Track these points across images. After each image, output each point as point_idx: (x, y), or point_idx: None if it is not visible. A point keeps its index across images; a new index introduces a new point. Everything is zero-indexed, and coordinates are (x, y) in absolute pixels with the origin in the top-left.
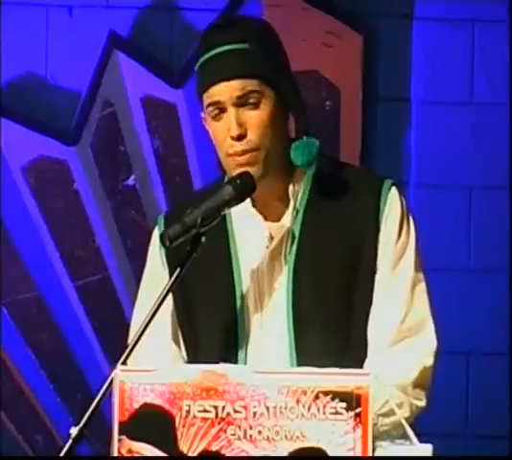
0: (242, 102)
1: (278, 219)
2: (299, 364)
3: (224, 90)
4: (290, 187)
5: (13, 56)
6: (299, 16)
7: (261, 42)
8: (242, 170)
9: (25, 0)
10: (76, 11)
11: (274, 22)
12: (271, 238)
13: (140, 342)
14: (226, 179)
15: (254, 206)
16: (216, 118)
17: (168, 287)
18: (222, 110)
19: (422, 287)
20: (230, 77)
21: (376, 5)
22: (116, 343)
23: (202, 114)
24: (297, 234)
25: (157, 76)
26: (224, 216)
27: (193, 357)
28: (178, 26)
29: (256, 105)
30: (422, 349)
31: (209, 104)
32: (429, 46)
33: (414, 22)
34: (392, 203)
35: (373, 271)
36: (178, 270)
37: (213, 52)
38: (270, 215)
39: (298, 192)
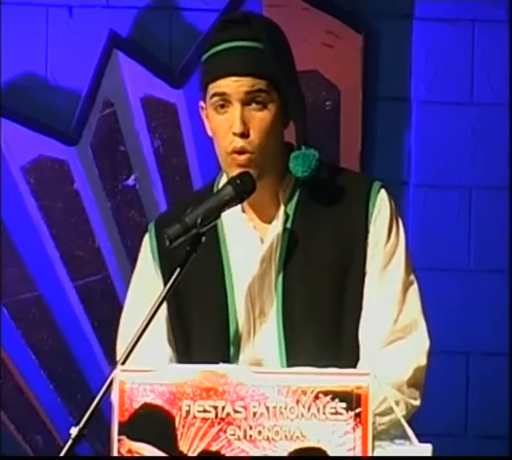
0: (248, 99)
1: (269, 223)
2: (290, 367)
3: (233, 84)
4: (281, 191)
5: (13, 56)
6: (299, 16)
7: (273, 45)
8: (240, 170)
9: (25, 0)
10: (76, 11)
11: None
12: (262, 242)
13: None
14: (220, 177)
15: (244, 210)
16: (219, 110)
17: (168, 288)
18: (227, 103)
19: (413, 287)
20: (241, 72)
21: (376, 5)
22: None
23: (201, 103)
24: (288, 238)
25: (157, 76)
26: None
27: (186, 361)
28: (178, 26)
29: (262, 107)
30: (415, 349)
31: (214, 94)
32: (429, 46)
33: (414, 22)
34: (381, 205)
35: (363, 273)
36: (178, 270)
37: (225, 45)
38: (261, 219)
39: (288, 196)
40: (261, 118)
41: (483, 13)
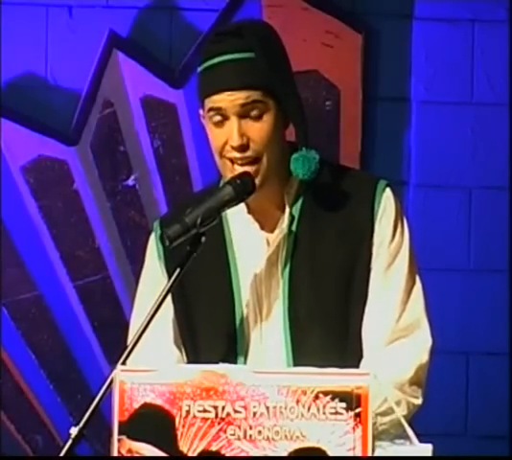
0: (244, 111)
1: (275, 226)
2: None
3: (228, 99)
4: (286, 193)
5: (13, 56)
6: (299, 16)
7: (266, 52)
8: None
9: (25, 0)
10: (76, 11)
11: (274, 22)
12: (268, 244)
13: (143, 346)
14: (221, 183)
15: (250, 213)
16: (217, 124)
17: (168, 288)
18: (224, 117)
19: (417, 286)
20: (234, 87)
21: (376, 5)
22: (116, 343)
23: (201, 112)
24: (293, 240)
25: (157, 76)
26: (222, 223)
27: (194, 362)
28: (178, 26)
29: (259, 117)
30: (417, 347)
31: (210, 109)
32: (429, 46)
33: (414, 22)
34: (386, 204)
35: (369, 272)
36: (178, 270)
37: (217, 59)
38: (267, 221)
39: (294, 197)
40: (259, 128)
41: (483, 13)
